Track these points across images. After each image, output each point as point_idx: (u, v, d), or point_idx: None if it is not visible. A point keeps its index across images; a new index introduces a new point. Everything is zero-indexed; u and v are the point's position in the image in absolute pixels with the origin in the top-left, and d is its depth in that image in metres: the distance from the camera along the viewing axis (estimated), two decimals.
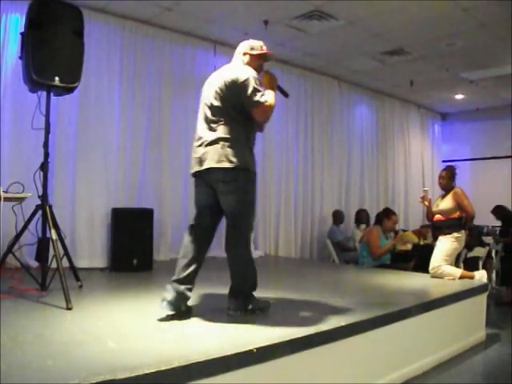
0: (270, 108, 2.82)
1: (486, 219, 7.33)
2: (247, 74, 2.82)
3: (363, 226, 7.15)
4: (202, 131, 2.92)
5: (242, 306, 2.87)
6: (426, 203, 4.78)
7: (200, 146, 2.87)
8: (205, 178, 2.85)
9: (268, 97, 2.84)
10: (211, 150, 2.78)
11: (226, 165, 2.73)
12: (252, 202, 2.88)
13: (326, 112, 7.67)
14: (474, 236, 6.63)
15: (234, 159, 2.73)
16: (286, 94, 3.13)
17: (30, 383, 1.68)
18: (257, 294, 3.51)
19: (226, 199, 2.83)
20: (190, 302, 2.95)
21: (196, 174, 2.90)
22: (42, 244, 3.34)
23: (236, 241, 2.92)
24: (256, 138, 3.00)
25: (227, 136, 2.78)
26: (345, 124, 8.03)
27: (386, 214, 5.96)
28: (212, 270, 5.39)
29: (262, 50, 3.02)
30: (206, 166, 2.78)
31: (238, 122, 2.84)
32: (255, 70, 2.92)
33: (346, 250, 6.97)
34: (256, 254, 6.54)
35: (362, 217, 7.34)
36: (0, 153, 4.56)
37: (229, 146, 2.76)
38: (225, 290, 3.71)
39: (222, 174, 2.75)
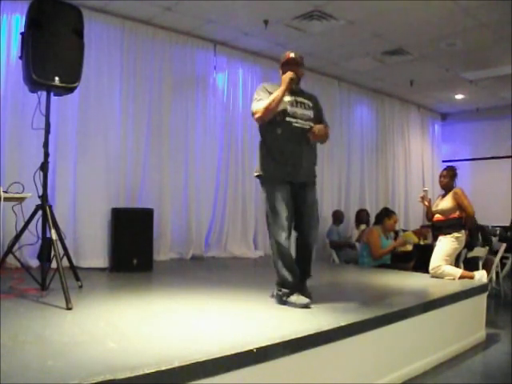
0: (256, 113, 3.20)
1: (486, 219, 7.32)
2: (257, 88, 3.33)
3: (363, 226, 7.14)
4: None
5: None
6: (426, 203, 4.78)
7: None
8: None
9: (260, 102, 3.20)
10: None
11: (254, 175, 3.36)
12: (272, 202, 3.21)
13: (325, 112, 7.61)
14: (484, 235, 6.64)
15: (255, 169, 3.34)
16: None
17: (30, 383, 1.68)
18: (255, 292, 3.53)
19: None
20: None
21: None
22: (45, 244, 3.34)
23: (270, 236, 3.27)
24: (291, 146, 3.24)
25: (258, 151, 3.36)
26: (345, 124, 8.03)
27: (387, 214, 5.95)
28: (212, 270, 5.41)
29: (286, 57, 3.35)
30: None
31: (264, 136, 3.31)
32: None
33: (341, 247, 6.95)
34: (256, 254, 6.55)
35: (362, 217, 7.34)
36: (0, 153, 4.57)
37: (257, 160, 3.35)
38: (224, 290, 3.73)
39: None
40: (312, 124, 3.25)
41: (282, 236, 3.15)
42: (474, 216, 4.60)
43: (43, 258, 3.35)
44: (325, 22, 5.51)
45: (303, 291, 3.25)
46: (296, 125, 3.22)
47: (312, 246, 3.42)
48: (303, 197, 3.30)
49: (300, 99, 3.31)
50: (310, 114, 3.30)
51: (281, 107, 3.20)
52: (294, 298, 3.08)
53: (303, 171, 3.27)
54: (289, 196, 3.21)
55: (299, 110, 3.26)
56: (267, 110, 3.14)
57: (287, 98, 3.25)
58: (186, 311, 3.02)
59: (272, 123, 3.23)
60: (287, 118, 3.22)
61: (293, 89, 3.27)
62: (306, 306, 3.05)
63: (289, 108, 3.23)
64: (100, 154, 5.25)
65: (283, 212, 3.15)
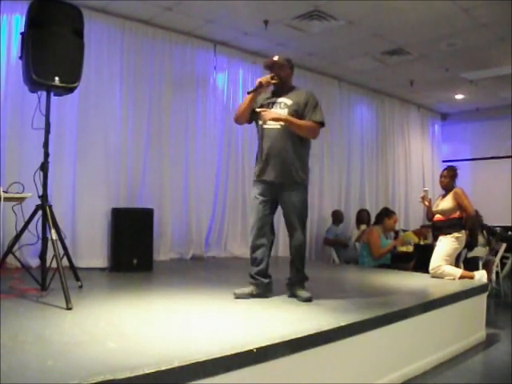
0: None
1: (486, 219, 7.32)
2: None
3: (363, 227, 7.14)
4: None
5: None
6: (426, 203, 4.78)
7: None
8: None
9: None
10: None
11: None
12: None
13: (325, 112, 7.57)
14: (489, 231, 6.68)
15: None
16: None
17: (30, 383, 1.68)
18: None
19: None
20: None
21: None
22: (45, 243, 3.34)
23: None
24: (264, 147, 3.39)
25: None
26: (345, 124, 8.03)
27: (387, 214, 5.95)
28: (212, 270, 5.40)
29: None
30: None
31: None
32: None
33: (335, 246, 6.95)
34: None
35: (362, 217, 7.33)
36: (0, 153, 4.57)
37: None
38: (224, 290, 3.73)
39: None
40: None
41: (251, 233, 3.43)
42: (474, 216, 4.60)
43: (44, 258, 3.34)
44: (325, 22, 5.51)
45: (296, 294, 3.36)
46: (265, 126, 3.32)
47: (295, 248, 3.43)
48: (281, 198, 3.37)
49: (279, 100, 3.37)
50: (284, 112, 3.31)
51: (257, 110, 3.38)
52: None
53: (275, 171, 3.30)
54: (263, 195, 3.36)
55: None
56: (236, 112, 3.48)
57: (263, 101, 3.40)
58: (186, 311, 3.02)
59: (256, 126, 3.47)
60: (259, 121, 3.37)
61: (277, 90, 3.41)
62: (237, 297, 3.32)
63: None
64: (100, 153, 5.25)
65: (252, 210, 3.45)
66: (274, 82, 3.32)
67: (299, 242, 3.41)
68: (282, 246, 6.96)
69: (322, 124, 3.36)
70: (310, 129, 3.33)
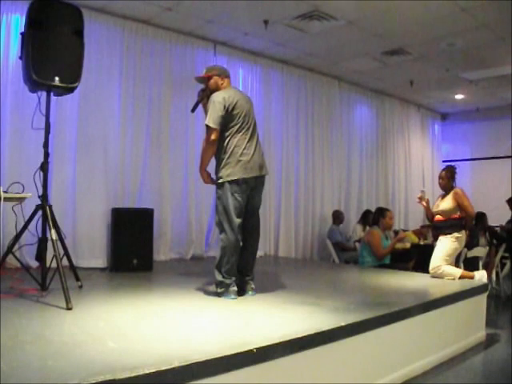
0: None
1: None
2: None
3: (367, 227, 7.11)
4: (254, 141, 3.47)
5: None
6: (424, 204, 4.78)
7: (257, 153, 3.43)
8: (255, 182, 3.42)
9: None
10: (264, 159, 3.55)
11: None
12: None
13: (325, 112, 7.67)
14: (494, 235, 6.66)
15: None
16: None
17: (30, 383, 1.68)
18: (257, 294, 3.53)
19: (259, 197, 3.54)
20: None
21: (252, 179, 3.37)
22: (42, 244, 3.33)
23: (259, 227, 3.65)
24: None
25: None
26: (345, 124, 8.03)
27: (381, 213, 5.93)
28: (211, 270, 5.39)
29: None
30: (266, 171, 3.50)
31: None
32: None
33: (345, 250, 6.95)
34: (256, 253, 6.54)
35: (368, 217, 7.23)
36: (0, 153, 4.57)
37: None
38: None
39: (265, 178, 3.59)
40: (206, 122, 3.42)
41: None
42: (474, 216, 4.59)
43: (40, 258, 3.34)
44: (325, 22, 5.51)
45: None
46: None
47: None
48: None
49: None
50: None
51: None
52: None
53: None
54: None
55: None
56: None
57: None
58: (186, 311, 3.02)
59: None
60: None
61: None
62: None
63: None
64: (100, 153, 5.25)
65: None
66: (205, 94, 3.65)
67: (220, 242, 3.45)
68: (282, 245, 6.97)
69: (206, 126, 3.42)
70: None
